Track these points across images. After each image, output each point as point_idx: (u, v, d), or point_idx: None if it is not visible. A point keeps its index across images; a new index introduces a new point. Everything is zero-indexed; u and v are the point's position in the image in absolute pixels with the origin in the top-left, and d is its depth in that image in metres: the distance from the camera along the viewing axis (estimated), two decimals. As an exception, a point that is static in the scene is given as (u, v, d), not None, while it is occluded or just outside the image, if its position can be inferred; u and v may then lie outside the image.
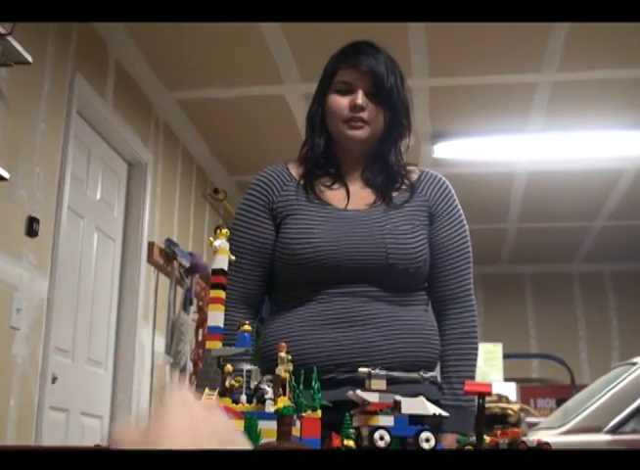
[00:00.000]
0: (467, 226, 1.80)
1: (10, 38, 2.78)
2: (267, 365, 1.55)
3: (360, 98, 1.70)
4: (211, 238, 1.18)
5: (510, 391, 6.35)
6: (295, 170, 1.79)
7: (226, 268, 1.18)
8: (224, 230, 1.19)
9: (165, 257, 4.69)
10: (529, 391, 7.66)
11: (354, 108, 1.70)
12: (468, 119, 5.01)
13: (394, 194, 1.74)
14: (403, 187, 1.76)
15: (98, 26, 3.88)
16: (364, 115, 1.70)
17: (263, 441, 1.05)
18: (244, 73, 4.40)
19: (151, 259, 4.50)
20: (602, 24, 3.68)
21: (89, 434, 3.83)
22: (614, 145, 5.23)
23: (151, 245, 4.49)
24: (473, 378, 1.69)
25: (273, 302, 1.77)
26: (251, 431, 1.04)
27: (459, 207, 1.80)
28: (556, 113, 4.85)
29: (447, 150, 5.32)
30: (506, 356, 7.29)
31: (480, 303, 8.19)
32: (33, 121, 3.30)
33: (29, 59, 2.95)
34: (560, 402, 5.76)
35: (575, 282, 8.33)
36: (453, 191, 1.81)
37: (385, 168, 1.76)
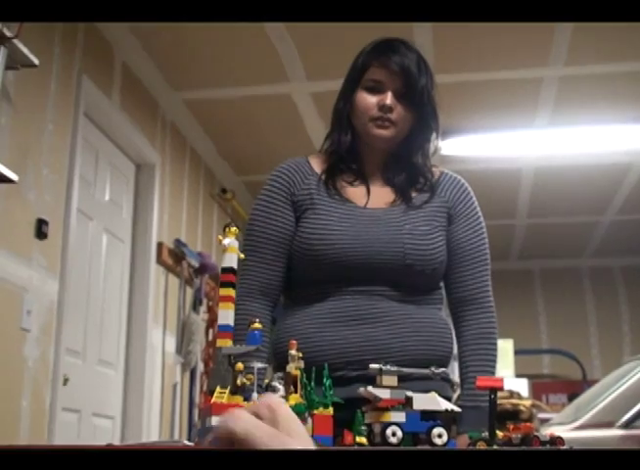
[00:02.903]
0: (485, 228, 1.79)
1: (16, 41, 2.79)
2: (280, 361, 1.55)
3: (389, 99, 1.69)
4: (220, 236, 1.18)
5: (521, 387, 6.34)
6: (316, 165, 1.78)
7: (235, 267, 1.18)
8: (233, 228, 1.18)
9: (175, 257, 4.69)
10: (541, 387, 7.64)
11: (383, 108, 1.69)
12: (474, 116, 4.99)
13: (414, 194, 1.74)
14: (423, 187, 1.75)
15: (104, 28, 3.89)
16: (392, 115, 1.69)
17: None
18: (250, 73, 4.40)
19: (160, 260, 4.50)
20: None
21: (101, 434, 3.84)
22: (621, 139, 5.21)
23: (160, 245, 4.50)
24: None
25: (288, 296, 1.76)
26: (262, 429, 1.03)
27: (478, 208, 1.79)
28: (563, 107, 4.83)
29: (455, 146, 5.31)
30: (517, 353, 7.27)
31: (490, 299, 8.15)
32: (41, 124, 3.31)
33: (36, 61, 2.95)
34: (571, 398, 5.74)
35: (585, 277, 8.30)
36: (472, 193, 1.80)
37: (406, 168, 1.76)
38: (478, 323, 1.72)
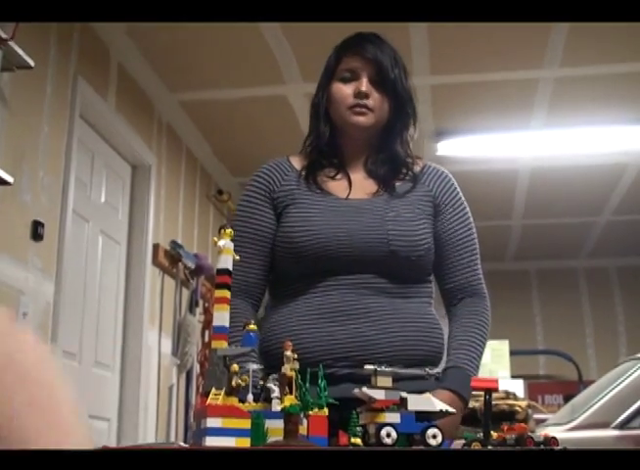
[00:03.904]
0: (471, 217, 1.80)
1: (12, 43, 2.79)
2: (267, 360, 1.53)
3: (364, 85, 1.70)
4: (215, 238, 1.18)
5: (517, 387, 6.33)
6: (296, 162, 1.78)
7: (231, 268, 1.18)
8: (228, 230, 1.19)
9: (170, 258, 4.69)
10: (537, 387, 7.64)
11: (359, 95, 1.70)
12: (470, 117, 5.00)
13: (397, 184, 1.74)
14: (406, 177, 1.75)
15: (99, 29, 3.89)
16: (368, 102, 1.70)
17: (270, 439, 1.05)
18: (245, 74, 4.40)
19: (156, 262, 4.50)
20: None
21: (97, 436, 3.84)
22: (617, 140, 5.22)
23: (156, 247, 4.50)
24: (478, 350, 1.66)
25: (273, 295, 1.75)
26: (257, 430, 1.04)
27: (463, 198, 1.79)
28: (558, 108, 4.84)
29: (450, 147, 5.32)
30: (513, 353, 7.27)
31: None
32: (36, 126, 3.31)
33: (31, 63, 2.95)
34: (567, 399, 5.74)
35: (581, 278, 8.31)
36: (456, 183, 1.80)
37: (388, 159, 1.76)
38: (471, 305, 1.72)
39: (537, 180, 6.05)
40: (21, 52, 2.87)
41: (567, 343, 7.82)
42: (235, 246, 1.69)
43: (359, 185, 1.73)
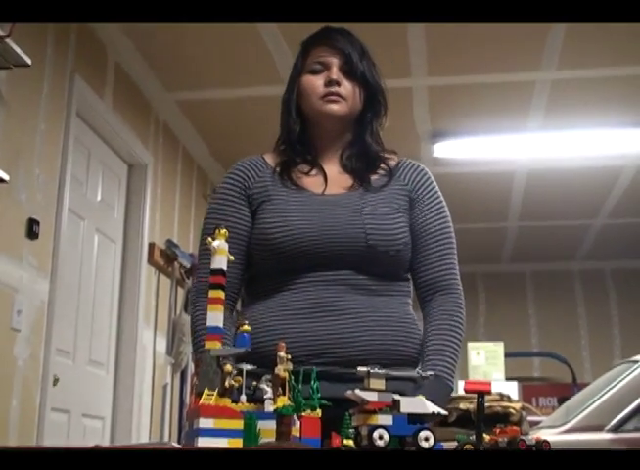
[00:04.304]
0: (448, 212, 1.77)
1: (9, 40, 2.79)
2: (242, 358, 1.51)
3: (335, 73, 1.70)
4: (210, 238, 1.18)
5: (512, 390, 6.35)
6: (271, 160, 1.77)
7: (225, 269, 1.18)
8: (223, 230, 1.18)
9: (166, 257, 4.69)
10: (531, 389, 7.66)
11: (329, 83, 1.70)
12: (467, 118, 5.01)
13: (373, 178, 1.72)
14: (381, 172, 1.74)
15: (97, 28, 3.89)
16: (340, 90, 1.70)
17: (262, 441, 1.05)
18: (243, 74, 4.40)
19: (151, 261, 4.50)
20: (600, 23, 3.68)
21: (90, 435, 3.84)
22: (613, 143, 5.23)
23: (151, 246, 4.50)
24: (454, 355, 1.63)
25: (249, 293, 1.72)
26: (250, 431, 1.04)
27: (439, 192, 1.77)
28: (555, 111, 4.85)
29: (447, 149, 5.32)
30: (508, 355, 7.28)
31: (482, 302, 8.20)
32: (33, 124, 3.31)
33: (29, 61, 2.95)
34: (562, 401, 5.75)
35: (577, 280, 8.33)
36: (433, 178, 1.78)
37: (362, 152, 1.75)
38: (444, 303, 1.68)
39: (534, 182, 6.05)
40: (18, 50, 2.87)
41: (561, 345, 7.83)
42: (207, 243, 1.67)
43: (335, 180, 1.72)
